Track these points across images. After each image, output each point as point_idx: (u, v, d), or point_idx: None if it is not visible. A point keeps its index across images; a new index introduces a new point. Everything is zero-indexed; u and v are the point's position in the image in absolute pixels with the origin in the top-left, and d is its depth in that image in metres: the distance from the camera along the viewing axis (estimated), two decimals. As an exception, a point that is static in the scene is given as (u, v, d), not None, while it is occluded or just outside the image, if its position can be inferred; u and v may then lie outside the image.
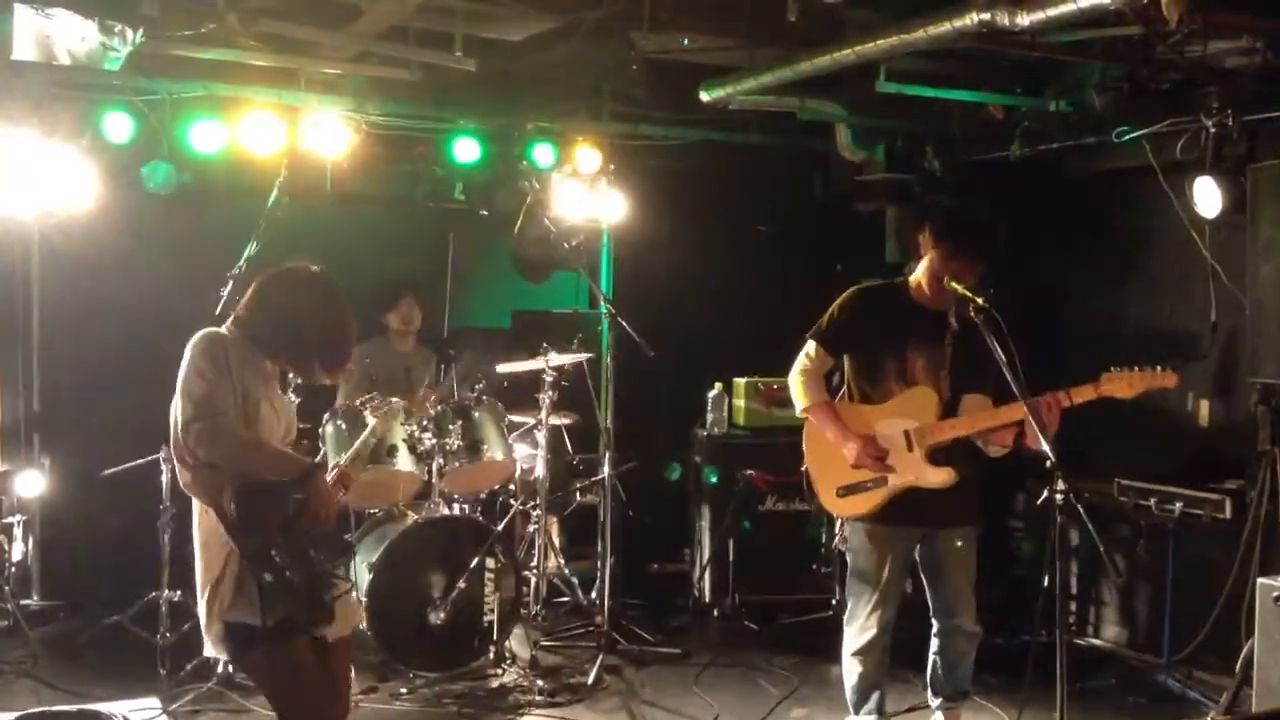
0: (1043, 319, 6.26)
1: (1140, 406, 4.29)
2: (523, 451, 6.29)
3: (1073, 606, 6.49)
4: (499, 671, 5.64)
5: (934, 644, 4.67)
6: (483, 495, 6.27)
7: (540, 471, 5.98)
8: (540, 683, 5.47)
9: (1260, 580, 4.76)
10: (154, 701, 5.07)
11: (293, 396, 5.02)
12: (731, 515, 6.69)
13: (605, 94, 6.79)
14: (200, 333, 3.44)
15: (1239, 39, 5.04)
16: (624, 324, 5.79)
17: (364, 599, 5.28)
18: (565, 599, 6.69)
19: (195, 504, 3.48)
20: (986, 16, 4.47)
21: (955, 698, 4.71)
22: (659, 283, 7.65)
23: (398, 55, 5.63)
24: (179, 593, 5.51)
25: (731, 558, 6.71)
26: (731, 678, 5.80)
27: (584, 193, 6.70)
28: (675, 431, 7.38)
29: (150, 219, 6.25)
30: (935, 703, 4.75)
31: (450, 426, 5.69)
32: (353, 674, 4.07)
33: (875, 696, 4.62)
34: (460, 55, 5.36)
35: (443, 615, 5.45)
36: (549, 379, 5.89)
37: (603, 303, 6.12)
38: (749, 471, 6.66)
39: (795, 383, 4.59)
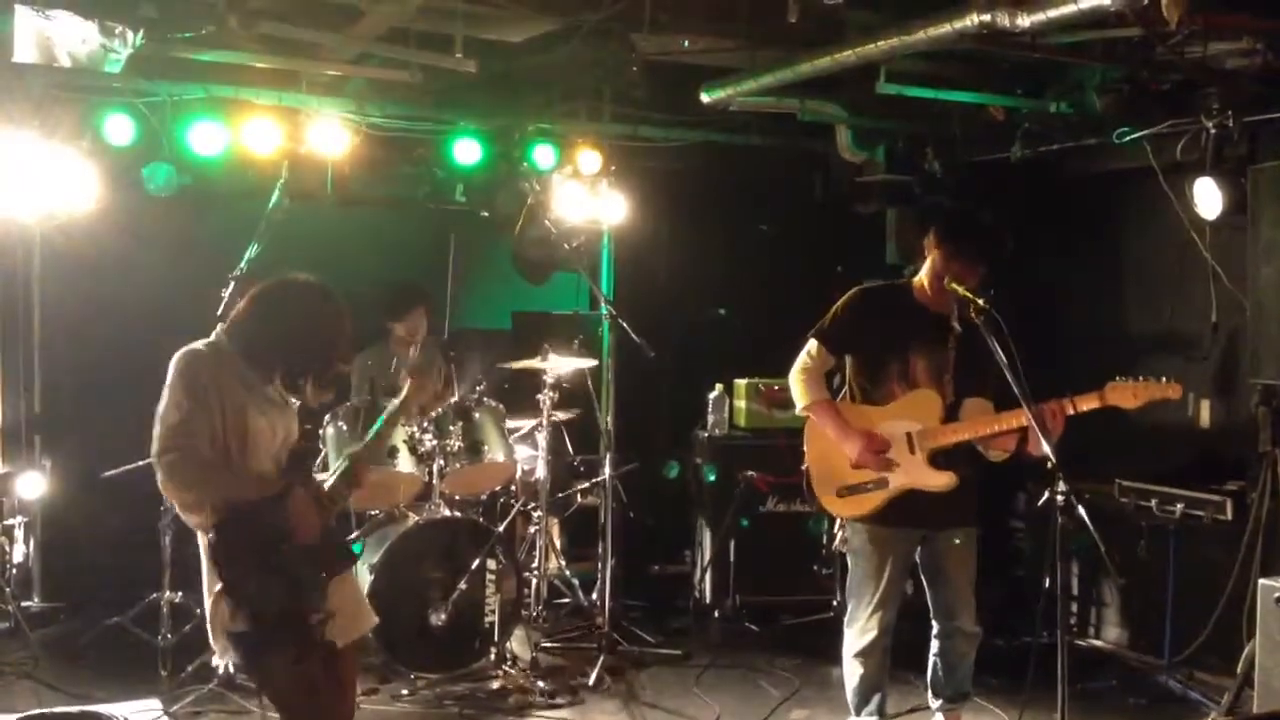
0: (1043, 320, 6.26)
1: (1141, 408, 4.29)
2: (523, 453, 6.28)
3: (1074, 607, 6.48)
4: (500, 673, 5.63)
5: (934, 645, 4.67)
6: (483, 496, 6.27)
7: (541, 473, 5.98)
8: (541, 684, 5.47)
9: (1261, 581, 4.77)
10: (155, 703, 5.07)
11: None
12: (732, 516, 6.69)
13: (606, 95, 6.78)
14: (179, 352, 3.38)
15: (1239, 40, 5.04)
16: (624, 325, 5.78)
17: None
18: (566, 600, 6.69)
19: None
20: (987, 18, 4.46)
21: (956, 699, 4.71)
22: (659, 283, 7.65)
23: (398, 57, 5.62)
24: (180, 594, 5.52)
25: (732, 559, 6.72)
26: (732, 679, 5.80)
27: (584, 194, 6.71)
28: (676, 432, 7.39)
29: (151, 221, 6.25)
30: (936, 704, 4.74)
31: (451, 428, 5.68)
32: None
33: (876, 698, 4.61)
34: (461, 57, 5.35)
35: (444, 616, 5.44)
36: (549, 380, 5.90)
37: (603, 304, 6.11)
38: (750, 473, 6.66)
39: (796, 381, 4.59)
